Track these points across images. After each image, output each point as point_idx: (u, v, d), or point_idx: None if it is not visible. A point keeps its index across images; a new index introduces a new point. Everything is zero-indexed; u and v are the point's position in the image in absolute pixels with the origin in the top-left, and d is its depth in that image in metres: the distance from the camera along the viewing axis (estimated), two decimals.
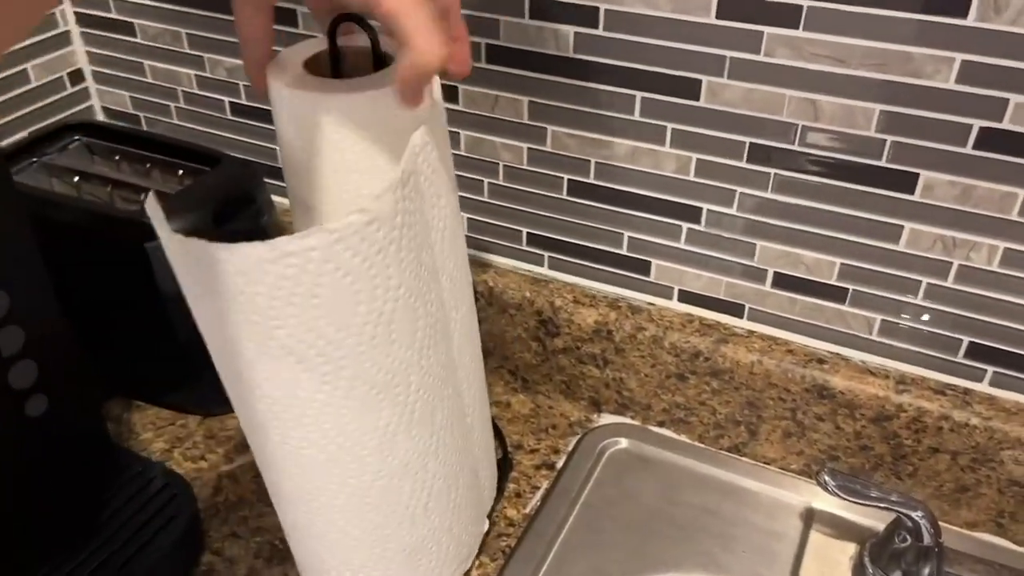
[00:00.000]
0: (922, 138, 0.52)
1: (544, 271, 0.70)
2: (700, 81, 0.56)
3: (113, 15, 0.77)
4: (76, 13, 0.78)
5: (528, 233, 0.69)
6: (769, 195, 0.58)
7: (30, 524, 0.56)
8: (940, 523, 0.53)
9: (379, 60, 0.46)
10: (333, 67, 0.48)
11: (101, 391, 0.72)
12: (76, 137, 0.74)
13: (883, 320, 0.59)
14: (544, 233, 0.68)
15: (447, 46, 0.36)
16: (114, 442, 0.63)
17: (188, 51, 0.76)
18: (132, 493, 0.59)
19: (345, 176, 0.45)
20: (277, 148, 0.77)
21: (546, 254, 0.69)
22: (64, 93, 0.81)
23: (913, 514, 0.53)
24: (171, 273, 0.62)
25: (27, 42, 0.76)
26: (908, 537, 0.53)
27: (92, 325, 0.65)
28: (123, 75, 0.81)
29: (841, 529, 0.60)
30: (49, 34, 0.77)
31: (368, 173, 0.44)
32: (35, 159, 0.71)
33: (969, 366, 0.58)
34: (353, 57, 0.48)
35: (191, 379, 0.69)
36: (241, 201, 0.67)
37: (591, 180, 0.64)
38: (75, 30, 0.79)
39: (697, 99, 0.57)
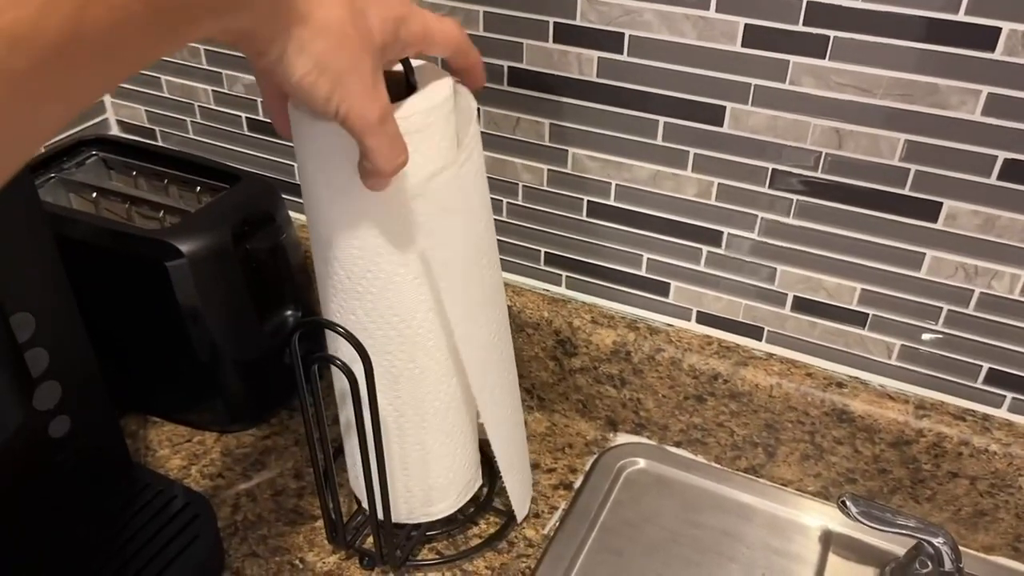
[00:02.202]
0: (946, 168, 0.52)
1: (562, 291, 0.71)
2: (724, 108, 0.56)
3: None
4: None
5: (546, 253, 0.69)
6: (791, 220, 0.58)
7: (54, 544, 0.56)
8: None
9: (411, 87, 0.46)
10: None
11: (118, 408, 0.72)
12: (92, 152, 0.74)
13: (903, 345, 0.60)
14: (562, 253, 0.69)
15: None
16: (135, 462, 0.63)
17: (206, 67, 0.76)
18: (153, 512, 0.59)
19: (360, 201, 0.45)
20: (296, 166, 0.78)
21: (564, 274, 0.70)
22: None
23: (935, 540, 0.53)
24: (190, 290, 0.63)
25: None
26: (929, 563, 0.54)
27: (110, 342, 0.65)
28: (139, 89, 0.81)
29: (860, 553, 0.61)
30: None
31: (385, 198, 0.45)
32: (53, 174, 0.72)
33: (988, 392, 0.59)
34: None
35: (208, 396, 0.69)
36: (261, 220, 0.67)
37: (611, 202, 0.64)
38: None
39: (721, 125, 0.57)
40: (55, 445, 0.55)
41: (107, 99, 0.83)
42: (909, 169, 0.53)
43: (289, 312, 0.71)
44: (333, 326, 0.50)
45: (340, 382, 0.54)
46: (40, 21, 0.23)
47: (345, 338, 0.49)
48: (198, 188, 0.71)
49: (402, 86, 0.46)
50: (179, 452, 0.69)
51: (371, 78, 0.39)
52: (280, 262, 0.69)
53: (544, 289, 0.71)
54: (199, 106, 0.78)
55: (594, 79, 0.59)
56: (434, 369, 0.53)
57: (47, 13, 0.23)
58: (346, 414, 0.56)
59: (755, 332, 0.65)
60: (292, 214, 0.71)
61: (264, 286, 0.68)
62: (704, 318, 0.66)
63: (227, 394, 0.69)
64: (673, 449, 0.69)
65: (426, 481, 0.58)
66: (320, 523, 0.62)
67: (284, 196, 0.70)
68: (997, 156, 0.51)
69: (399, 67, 0.47)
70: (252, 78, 0.74)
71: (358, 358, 0.49)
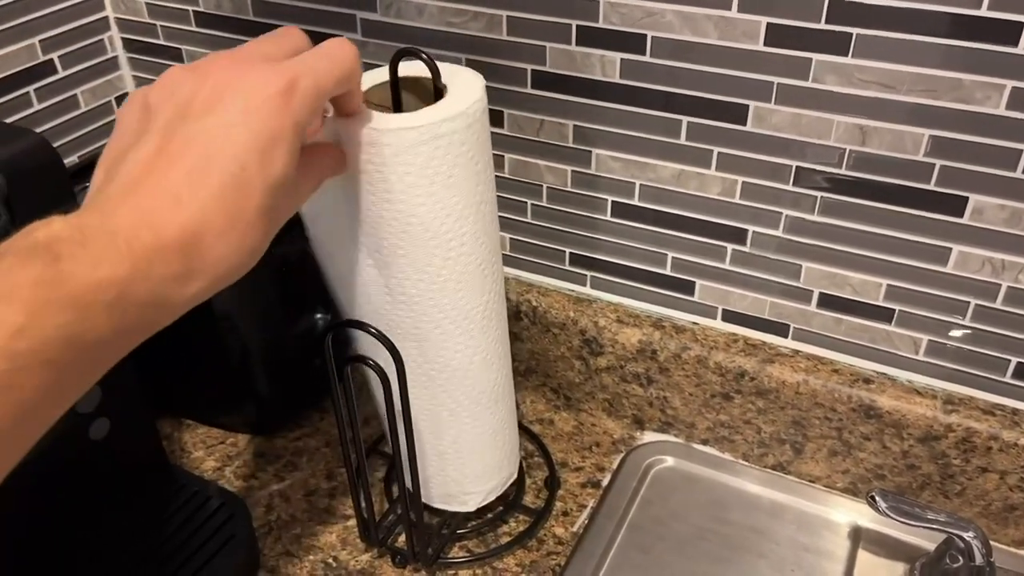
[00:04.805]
0: (971, 163, 0.52)
1: (587, 291, 0.71)
2: (747, 106, 0.57)
3: (161, 41, 0.78)
4: (124, 39, 0.80)
5: (571, 253, 0.70)
6: (815, 217, 0.59)
7: (94, 544, 0.57)
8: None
9: (439, 92, 0.47)
10: (394, 97, 0.49)
11: (153, 410, 0.73)
12: None
13: (930, 340, 0.60)
14: (587, 253, 0.69)
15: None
16: (171, 463, 0.65)
17: None
18: (190, 513, 0.60)
19: (384, 206, 0.46)
20: None
21: (589, 274, 0.70)
22: (111, 117, 0.82)
23: (965, 535, 0.53)
24: (223, 295, 0.64)
25: (77, 68, 0.77)
26: (960, 558, 0.54)
27: (146, 346, 0.66)
28: None
29: (889, 548, 0.61)
30: (98, 60, 0.79)
31: (407, 204, 0.46)
32: (87, 184, 0.73)
33: (1018, 386, 0.59)
34: (415, 87, 0.49)
35: (241, 399, 0.71)
36: (290, 224, 0.68)
37: (635, 202, 0.65)
38: (123, 56, 0.81)
39: (744, 124, 0.57)
40: (95, 447, 0.56)
41: None
42: (934, 164, 0.53)
43: (318, 315, 0.72)
44: (365, 327, 0.51)
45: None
46: None
47: (377, 338, 0.50)
48: None
49: (430, 91, 0.47)
50: (213, 454, 0.70)
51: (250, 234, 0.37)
52: (309, 265, 0.70)
53: (569, 289, 0.72)
54: None
55: (617, 80, 0.60)
56: (465, 365, 0.54)
57: None
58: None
59: (781, 329, 0.65)
60: None
61: (294, 289, 0.69)
62: (730, 316, 0.66)
63: (259, 397, 0.71)
64: (700, 447, 0.70)
65: (463, 471, 0.59)
66: (352, 522, 0.63)
67: None
68: (1022, 150, 0.51)
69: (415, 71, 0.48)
70: None
71: (390, 358, 0.50)
